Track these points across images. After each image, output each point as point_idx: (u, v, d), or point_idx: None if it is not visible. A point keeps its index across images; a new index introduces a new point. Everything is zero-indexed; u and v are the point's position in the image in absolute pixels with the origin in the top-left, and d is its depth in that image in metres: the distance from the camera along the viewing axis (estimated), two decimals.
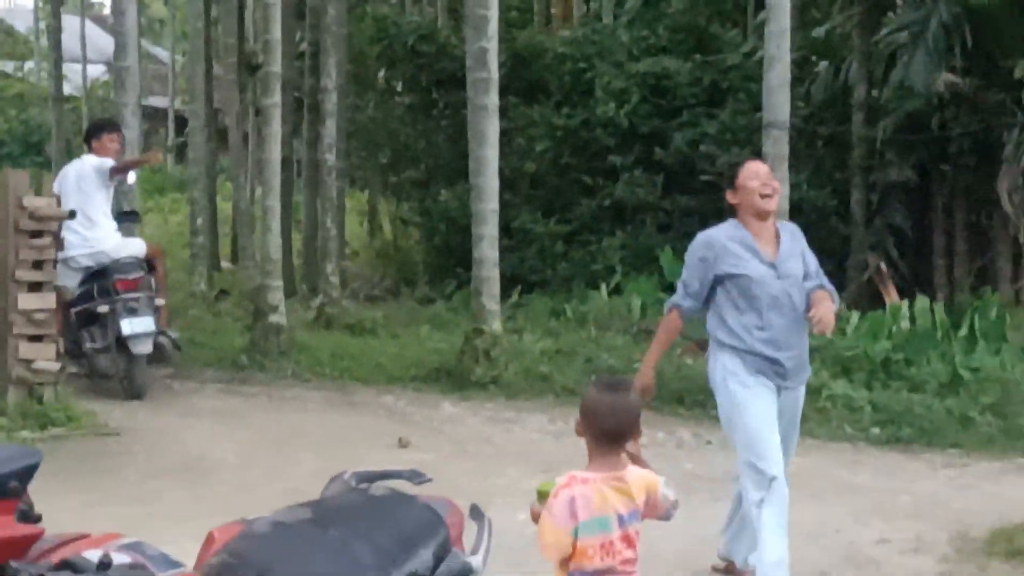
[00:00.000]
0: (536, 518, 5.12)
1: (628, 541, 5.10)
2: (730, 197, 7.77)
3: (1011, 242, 18.49)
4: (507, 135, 18.00)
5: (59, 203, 13.19)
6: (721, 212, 20.39)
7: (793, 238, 7.86)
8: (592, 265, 21.05)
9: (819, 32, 22.25)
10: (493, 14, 15.70)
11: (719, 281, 7.62)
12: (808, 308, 7.58)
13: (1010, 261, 18.58)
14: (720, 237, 7.75)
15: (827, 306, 7.43)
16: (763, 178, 7.64)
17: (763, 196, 7.60)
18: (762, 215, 7.63)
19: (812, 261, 7.83)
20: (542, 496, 5.12)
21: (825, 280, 7.80)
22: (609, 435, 5.16)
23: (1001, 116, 17.98)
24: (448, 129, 23.63)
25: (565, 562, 5.11)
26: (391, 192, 27.86)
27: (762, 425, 7.52)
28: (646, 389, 7.56)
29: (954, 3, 17.47)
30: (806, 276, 7.68)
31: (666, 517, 5.20)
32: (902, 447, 12.39)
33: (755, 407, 7.53)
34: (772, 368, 7.53)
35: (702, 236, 7.92)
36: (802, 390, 7.90)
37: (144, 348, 13.94)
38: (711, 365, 7.87)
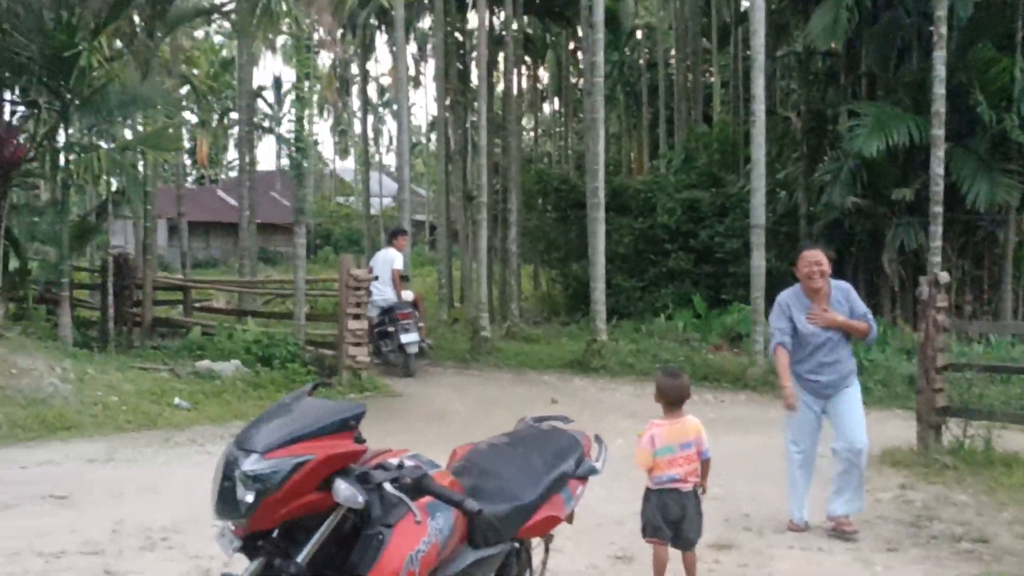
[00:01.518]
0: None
1: (688, 460, 5.12)
2: (796, 272, 6.73)
3: (890, 290, 18.07)
4: (609, 234, 17.87)
5: (371, 271, 13.50)
6: (727, 274, 20.29)
7: (842, 295, 6.75)
8: (656, 304, 20.80)
9: (781, 174, 21.85)
10: (600, 168, 15.72)
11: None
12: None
13: (890, 301, 18.14)
14: (788, 298, 6.75)
15: (842, 319, 6.55)
16: (811, 266, 6.59)
17: (809, 278, 6.60)
18: (811, 290, 6.67)
19: (859, 307, 6.73)
20: (639, 435, 5.23)
21: (870, 318, 6.73)
22: (670, 400, 5.18)
23: (884, 221, 17.59)
24: (576, 230, 23.47)
25: (650, 472, 5.12)
26: (546, 265, 27.86)
27: (797, 428, 6.77)
28: (789, 403, 6.57)
29: (855, 158, 17.14)
30: (854, 318, 6.66)
31: (704, 455, 5.17)
32: None
33: (798, 418, 6.74)
34: (815, 387, 6.68)
35: (778, 298, 6.81)
36: (850, 391, 6.75)
37: (413, 350, 14.14)
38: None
